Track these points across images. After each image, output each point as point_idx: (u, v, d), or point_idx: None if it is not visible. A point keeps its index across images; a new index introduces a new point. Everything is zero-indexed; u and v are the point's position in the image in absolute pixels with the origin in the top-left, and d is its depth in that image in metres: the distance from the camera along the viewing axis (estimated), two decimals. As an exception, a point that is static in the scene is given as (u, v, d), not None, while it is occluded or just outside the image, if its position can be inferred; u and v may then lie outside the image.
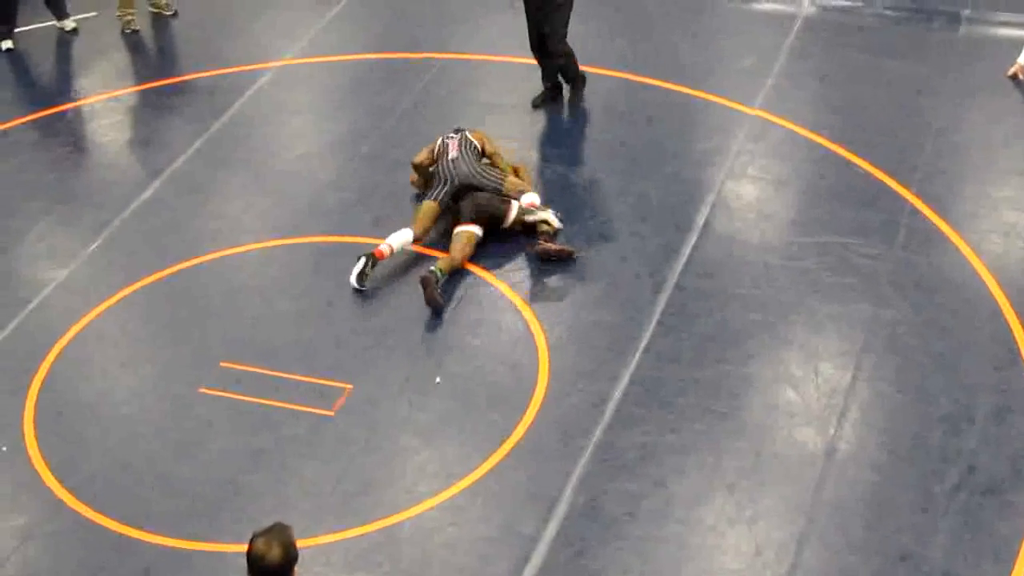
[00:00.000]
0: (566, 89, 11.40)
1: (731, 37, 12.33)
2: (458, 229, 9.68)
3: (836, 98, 11.35)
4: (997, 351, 8.73)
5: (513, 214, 9.74)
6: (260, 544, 5.38)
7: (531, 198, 9.77)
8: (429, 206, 9.80)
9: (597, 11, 12.40)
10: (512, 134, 10.71)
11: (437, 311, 9.20)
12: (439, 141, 10.12)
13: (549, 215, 9.70)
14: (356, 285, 9.40)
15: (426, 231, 9.76)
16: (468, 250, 9.59)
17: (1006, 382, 8.50)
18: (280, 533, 5.43)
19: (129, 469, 8.21)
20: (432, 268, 9.31)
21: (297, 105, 11.64)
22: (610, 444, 8.19)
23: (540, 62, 11.28)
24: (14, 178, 10.86)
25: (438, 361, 8.85)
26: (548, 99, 11.39)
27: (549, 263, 9.54)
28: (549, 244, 9.54)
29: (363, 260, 9.41)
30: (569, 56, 11.17)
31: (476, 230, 9.68)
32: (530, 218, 9.68)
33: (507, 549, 7.58)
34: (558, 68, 11.23)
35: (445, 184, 9.87)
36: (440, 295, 9.20)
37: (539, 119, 11.19)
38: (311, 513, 7.81)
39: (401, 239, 9.64)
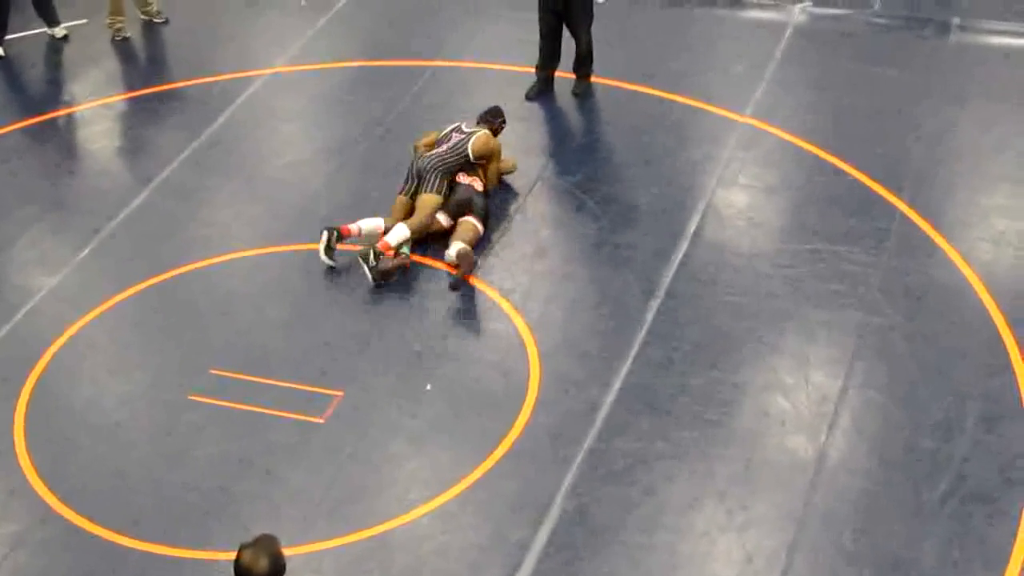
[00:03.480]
0: (559, 85, 11.57)
1: (722, 45, 12.35)
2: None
3: (827, 106, 11.36)
4: (987, 358, 8.74)
5: (466, 218, 9.86)
6: (247, 556, 5.37)
7: (456, 248, 9.70)
8: (400, 200, 9.98)
9: (588, 19, 12.42)
10: (504, 141, 10.67)
11: (378, 283, 9.46)
12: (446, 130, 10.28)
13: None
14: (325, 259, 9.61)
15: (395, 223, 9.83)
16: (424, 229, 9.76)
17: (996, 389, 8.51)
18: (267, 544, 5.42)
19: (119, 476, 8.19)
20: (404, 251, 9.53)
21: (288, 112, 11.64)
22: (601, 451, 8.19)
23: (548, 48, 11.42)
24: (5, 185, 10.84)
25: (429, 368, 8.85)
26: (541, 90, 11.53)
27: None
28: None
29: (325, 233, 9.61)
30: (591, 43, 11.37)
31: (446, 223, 9.89)
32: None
33: (498, 556, 7.58)
34: (581, 54, 11.42)
35: (408, 179, 10.03)
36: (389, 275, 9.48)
37: (531, 126, 11.21)
38: (302, 520, 7.80)
39: (371, 224, 9.85)
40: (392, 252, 9.63)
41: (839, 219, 9.98)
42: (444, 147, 10.10)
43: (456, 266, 9.54)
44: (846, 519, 7.71)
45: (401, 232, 9.70)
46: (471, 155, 10.08)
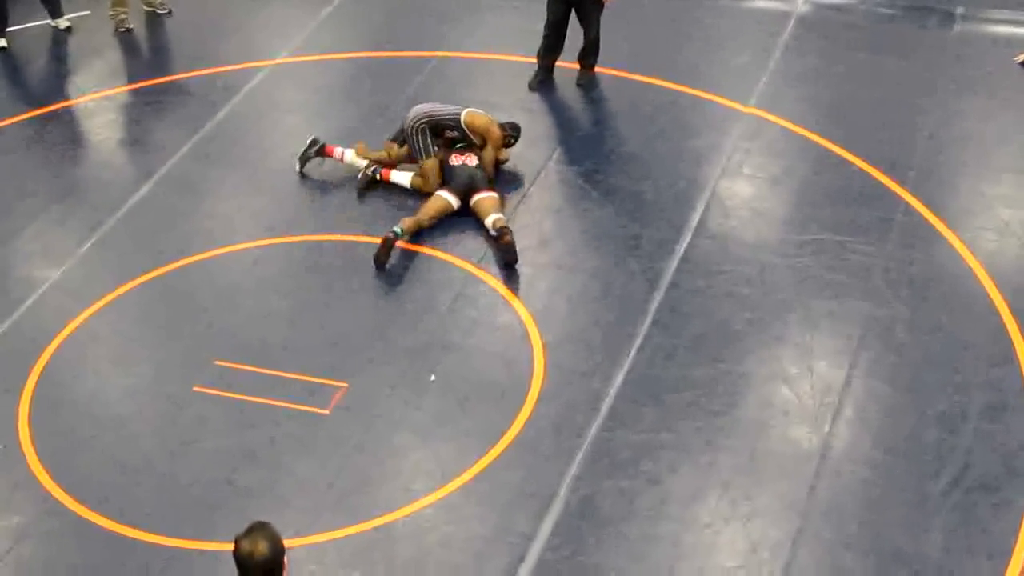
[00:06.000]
0: (561, 75, 11.57)
1: (725, 35, 12.33)
2: (439, 193, 10.01)
3: (830, 96, 11.35)
4: (991, 348, 8.74)
5: (480, 196, 9.93)
6: (246, 544, 5.36)
7: (493, 218, 9.87)
8: (431, 164, 10.22)
9: (591, 9, 12.41)
10: (507, 132, 10.71)
11: (379, 267, 9.55)
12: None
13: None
14: (297, 166, 10.57)
15: (376, 160, 10.47)
16: (435, 221, 9.90)
17: (1000, 379, 8.51)
18: (262, 529, 5.41)
19: (124, 468, 8.20)
20: (395, 229, 9.60)
21: (291, 104, 11.64)
22: (605, 442, 8.19)
23: (553, 37, 11.41)
24: (8, 177, 10.84)
25: (433, 359, 8.85)
26: (543, 79, 11.57)
27: (506, 251, 9.59)
28: (510, 236, 9.60)
29: (310, 141, 10.56)
30: (599, 33, 11.38)
31: (455, 203, 9.97)
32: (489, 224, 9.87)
33: (502, 547, 7.58)
34: (589, 43, 11.41)
35: (424, 133, 10.27)
36: (389, 256, 9.57)
37: (535, 117, 11.20)
38: (306, 512, 7.81)
39: (351, 155, 10.55)
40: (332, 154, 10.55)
41: (843, 209, 9.97)
42: (437, 104, 10.36)
43: (500, 236, 9.59)
44: (850, 509, 7.72)
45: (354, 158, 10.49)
46: (463, 121, 10.20)
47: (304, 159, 10.56)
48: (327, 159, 10.56)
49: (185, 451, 8.28)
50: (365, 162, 10.43)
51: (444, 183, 10.09)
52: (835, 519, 7.66)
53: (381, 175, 10.35)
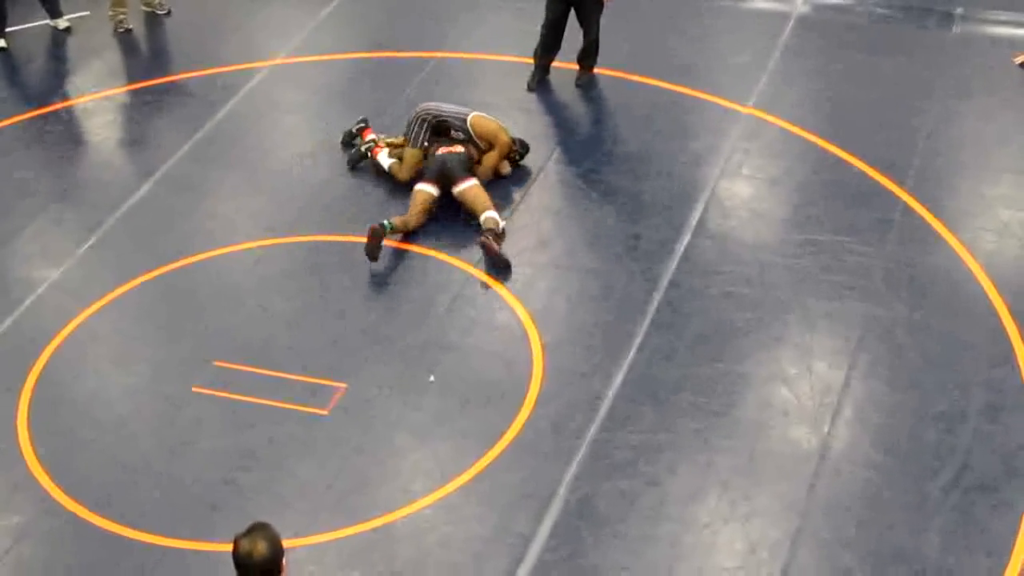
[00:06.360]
0: (560, 76, 11.57)
1: (725, 36, 12.34)
2: (417, 187, 10.01)
3: (830, 97, 11.35)
4: (990, 349, 8.75)
5: (462, 186, 9.95)
6: (245, 544, 5.36)
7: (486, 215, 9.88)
8: (412, 153, 10.32)
9: (591, 10, 12.40)
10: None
11: (372, 260, 9.51)
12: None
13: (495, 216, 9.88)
14: (340, 138, 10.91)
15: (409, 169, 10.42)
16: (423, 216, 9.90)
17: (999, 380, 8.51)
18: (261, 529, 5.41)
19: (123, 468, 8.20)
20: (384, 222, 9.59)
21: (290, 104, 11.64)
22: (604, 442, 8.19)
23: (551, 36, 11.41)
24: (7, 177, 10.84)
25: (432, 360, 8.85)
26: (541, 79, 11.57)
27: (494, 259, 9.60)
28: (492, 244, 9.55)
29: (360, 119, 10.82)
30: (598, 33, 11.37)
31: (433, 191, 9.97)
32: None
33: (501, 547, 7.58)
34: (588, 44, 11.39)
35: (422, 125, 10.31)
36: (379, 249, 9.53)
37: (534, 117, 11.20)
38: (306, 512, 7.81)
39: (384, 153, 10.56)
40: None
41: (842, 210, 9.98)
42: (448, 105, 10.43)
43: (484, 245, 9.56)
44: (849, 509, 7.72)
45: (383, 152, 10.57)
46: (468, 123, 10.25)
47: (348, 135, 10.80)
48: (356, 146, 10.76)
49: (184, 451, 8.28)
50: (389, 160, 10.50)
51: (420, 174, 10.12)
52: (834, 519, 7.67)
53: (371, 152, 10.48)
